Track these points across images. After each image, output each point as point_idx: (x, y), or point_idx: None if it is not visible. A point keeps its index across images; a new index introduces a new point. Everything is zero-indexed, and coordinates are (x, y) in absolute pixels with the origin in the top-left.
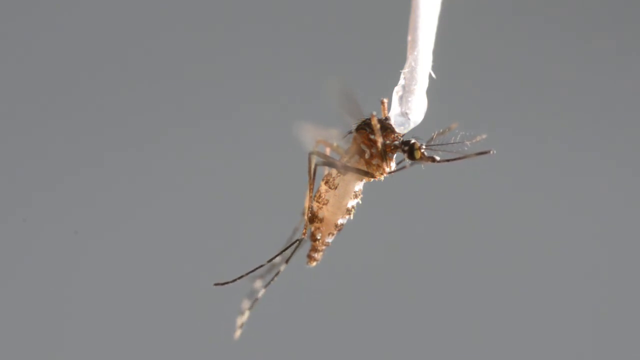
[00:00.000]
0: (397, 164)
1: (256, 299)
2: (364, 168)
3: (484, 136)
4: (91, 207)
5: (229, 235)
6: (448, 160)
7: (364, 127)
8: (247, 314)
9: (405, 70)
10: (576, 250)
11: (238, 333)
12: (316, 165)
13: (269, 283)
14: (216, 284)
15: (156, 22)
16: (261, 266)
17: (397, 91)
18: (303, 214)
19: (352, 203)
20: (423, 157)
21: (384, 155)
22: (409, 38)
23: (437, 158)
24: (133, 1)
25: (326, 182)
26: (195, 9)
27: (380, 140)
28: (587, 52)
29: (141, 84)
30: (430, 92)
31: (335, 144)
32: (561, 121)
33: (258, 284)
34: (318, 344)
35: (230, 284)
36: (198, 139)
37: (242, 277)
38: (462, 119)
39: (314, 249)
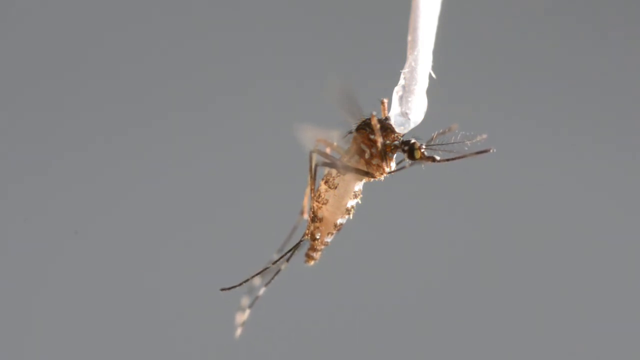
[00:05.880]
0: (397, 164)
1: (257, 297)
2: (364, 168)
3: (484, 136)
4: (91, 207)
5: (228, 234)
6: (448, 160)
7: (364, 127)
8: (247, 312)
9: (405, 70)
10: (576, 249)
11: (239, 332)
12: (317, 164)
13: (269, 281)
14: (222, 289)
15: (157, 22)
16: (266, 269)
17: (397, 91)
18: (301, 212)
19: (351, 203)
20: (423, 157)
21: (384, 155)
22: (409, 38)
23: (437, 158)
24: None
25: (326, 182)
26: (195, 8)
27: (380, 140)
28: (587, 52)
29: (142, 87)
30: (431, 92)
31: (335, 144)
32: (562, 121)
33: (256, 281)
34: (317, 343)
35: (237, 287)
36: (199, 140)
37: (247, 280)
38: (462, 118)
39: (313, 249)
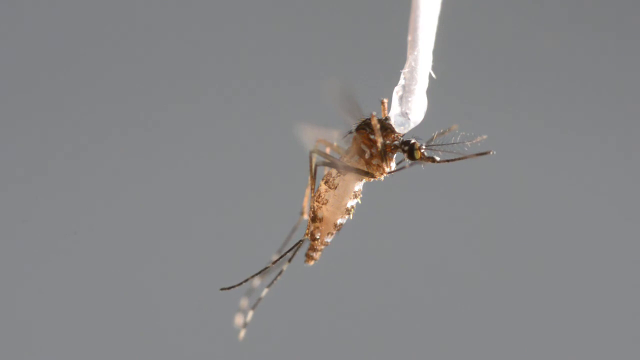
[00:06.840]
0: (397, 164)
1: (259, 299)
2: (364, 168)
3: (484, 136)
4: (91, 207)
5: (228, 235)
6: (448, 161)
7: (364, 127)
8: (250, 314)
9: (405, 70)
10: (576, 250)
11: (242, 333)
12: (317, 164)
13: (272, 283)
14: (222, 289)
15: (157, 22)
16: (266, 268)
17: (397, 91)
18: (302, 213)
19: (351, 203)
20: (423, 157)
21: (384, 155)
22: (409, 38)
23: (437, 158)
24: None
25: (326, 182)
26: (195, 8)
27: (380, 140)
28: (588, 52)
29: (142, 88)
30: (431, 92)
31: (335, 144)
32: (562, 121)
33: (257, 282)
34: (316, 343)
35: (236, 288)
36: (198, 140)
37: (247, 280)
38: (462, 119)
39: (313, 249)
